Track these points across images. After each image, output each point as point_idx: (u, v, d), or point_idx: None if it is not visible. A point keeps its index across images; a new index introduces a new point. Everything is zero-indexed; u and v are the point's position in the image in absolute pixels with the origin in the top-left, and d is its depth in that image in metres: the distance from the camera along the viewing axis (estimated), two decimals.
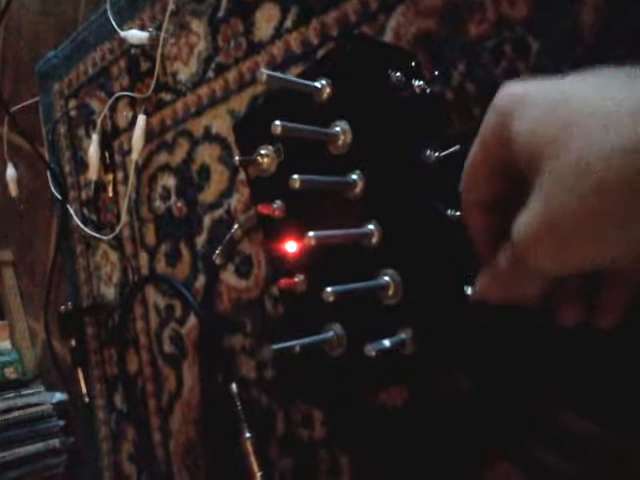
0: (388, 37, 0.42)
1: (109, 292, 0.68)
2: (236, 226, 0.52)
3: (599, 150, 0.20)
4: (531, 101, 0.23)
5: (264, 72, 0.28)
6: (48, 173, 0.74)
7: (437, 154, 0.31)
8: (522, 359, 0.34)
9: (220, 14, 0.54)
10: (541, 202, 0.22)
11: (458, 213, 0.30)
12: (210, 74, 0.55)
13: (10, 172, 0.83)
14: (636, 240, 0.20)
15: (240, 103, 0.53)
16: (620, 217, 0.20)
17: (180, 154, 0.59)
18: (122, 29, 0.62)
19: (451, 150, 0.31)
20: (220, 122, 0.54)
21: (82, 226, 0.69)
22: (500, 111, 0.24)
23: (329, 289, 0.26)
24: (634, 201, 0.19)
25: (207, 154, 0.56)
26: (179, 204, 0.59)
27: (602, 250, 0.21)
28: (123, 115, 0.65)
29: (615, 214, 0.20)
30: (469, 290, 0.28)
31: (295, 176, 0.27)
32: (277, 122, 0.27)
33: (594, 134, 0.20)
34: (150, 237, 0.62)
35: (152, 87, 0.60)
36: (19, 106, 0.80)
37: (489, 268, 0.27)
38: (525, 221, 0.22)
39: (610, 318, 0.28)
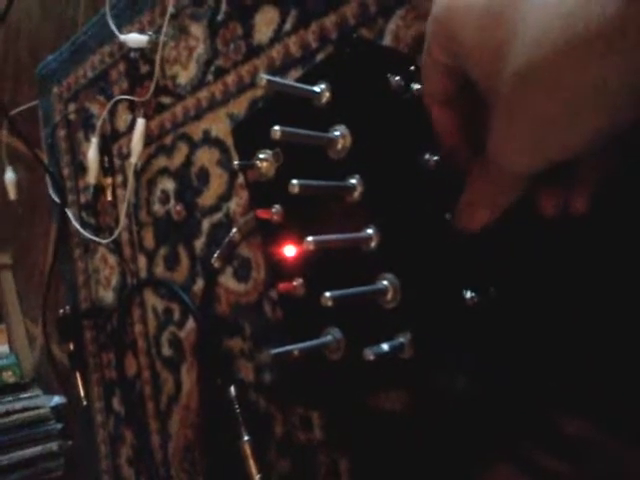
0: (387, 41, 0.42)
1: (107, 296, 0.68)
2: (235, 230, 0.52)
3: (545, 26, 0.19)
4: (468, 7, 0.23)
5: (264, 77, 0.28)
6: (47, 177, 0.74)
7: (436, 158, 0.31)
8: (522, 361, 0.34)
9: (219, 17, 0.54)
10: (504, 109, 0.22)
11: None
12: (209, 77, 0.55)
13: (9, 176, 0.83)
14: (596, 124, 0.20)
15: (239, 107, 0.53)
16: (587, 94, 0.19)
17: (179, 158, 0.59)
18: (121, 32, 0.62)
19: None
20: (219, 126, 0.55)
21: (81, 230, 0.69)
22: (440, 21, 0.24)
23: (327, 294, 0.26)
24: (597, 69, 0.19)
25: (206, 158, 0.56)
26: (178, 208, 0.59)
27: (574, 135, 0.21)
28: (122, 119, 0.65)
29: (579, 92, 0.19)
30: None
31: (294, 181, 0.27)
32: (276, 127, 0.27)
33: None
34: (149, 241, 0.62)
35: (151, 91, 0.60)
36: (18, 109, 0.80)
37: (464, 195, 0.28)
38: (495, 127, 0.23)
39: (583, 200, 0.28)
